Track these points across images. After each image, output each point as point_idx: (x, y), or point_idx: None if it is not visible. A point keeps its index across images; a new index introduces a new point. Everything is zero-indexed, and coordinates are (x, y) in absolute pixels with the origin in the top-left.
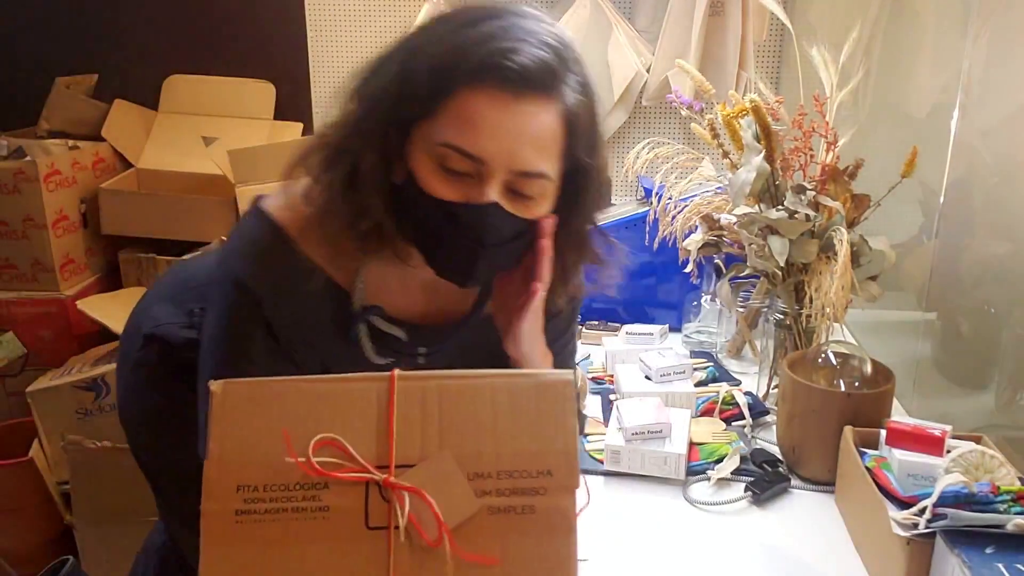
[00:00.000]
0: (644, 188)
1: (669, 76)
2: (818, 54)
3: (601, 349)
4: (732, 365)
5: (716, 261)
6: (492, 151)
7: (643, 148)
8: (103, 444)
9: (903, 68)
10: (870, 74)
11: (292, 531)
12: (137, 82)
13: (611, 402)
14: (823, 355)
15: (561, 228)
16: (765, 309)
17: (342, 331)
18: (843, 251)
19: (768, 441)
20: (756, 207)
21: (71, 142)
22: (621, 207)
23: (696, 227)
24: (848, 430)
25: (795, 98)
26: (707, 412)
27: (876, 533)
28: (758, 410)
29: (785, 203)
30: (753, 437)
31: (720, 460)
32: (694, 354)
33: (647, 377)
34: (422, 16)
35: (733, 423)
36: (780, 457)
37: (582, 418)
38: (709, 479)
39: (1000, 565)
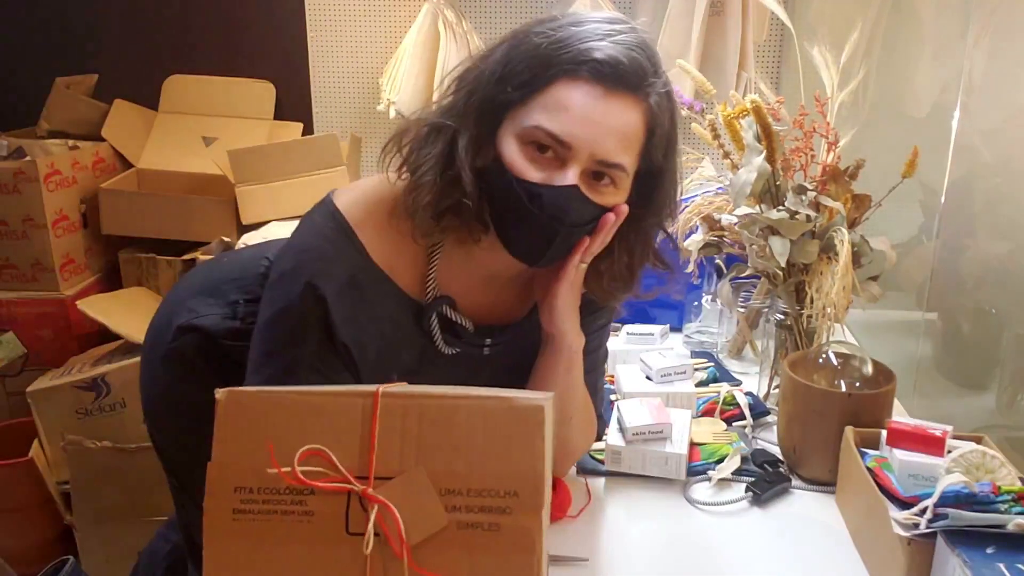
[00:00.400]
0: None
1: (669, 76)
2: (819, 54)
3: None
4: (733, 365)
5: (717, 261)
6: (579, 136)
7: None
8: (103, 444)
9: (903, 68)
10: (871, 74)
11: (281, 531)
12: (137, 82)
13: (612, 402)
14: (824, 355)
15: (631, 223)
16: (766, 309)
17: (407, 325)
18: (844, 252)
19: (769, 441)
20: (757, 207)
21: (71, 142)
22: None
23: (697, 227)
24: (849, 430)
25: (796, 98)
26: (708, 412)
27: (877, 533)
28: (759, 410)
29: (786, 203)
30: (754, 437)
31: (721, 460)
32: (695, 354)
33: (648, 377)
34: (420, 17)
35: (734, 423)
36: (781, 457)
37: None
38: (710, 479)
39: (1001, 565)
